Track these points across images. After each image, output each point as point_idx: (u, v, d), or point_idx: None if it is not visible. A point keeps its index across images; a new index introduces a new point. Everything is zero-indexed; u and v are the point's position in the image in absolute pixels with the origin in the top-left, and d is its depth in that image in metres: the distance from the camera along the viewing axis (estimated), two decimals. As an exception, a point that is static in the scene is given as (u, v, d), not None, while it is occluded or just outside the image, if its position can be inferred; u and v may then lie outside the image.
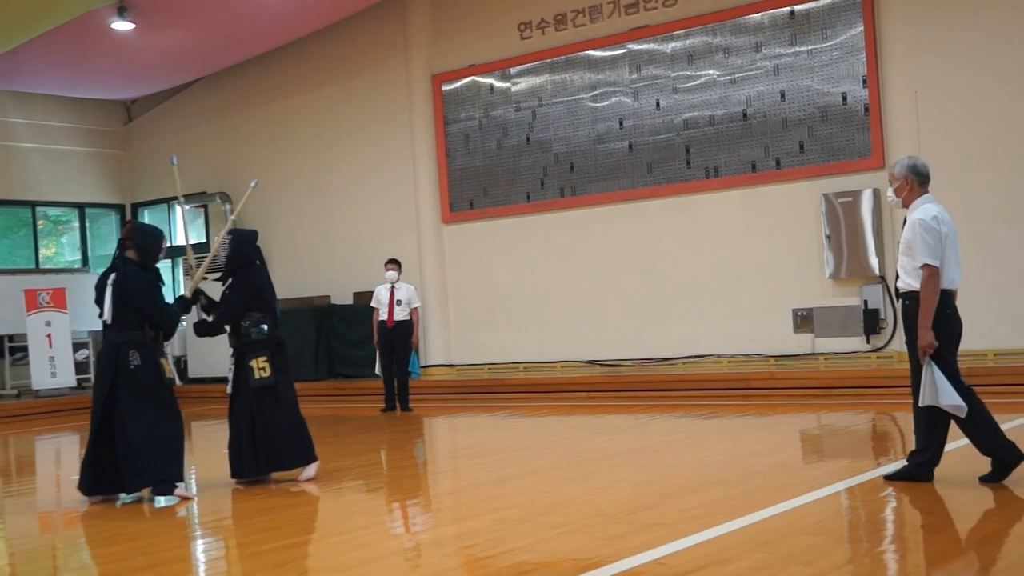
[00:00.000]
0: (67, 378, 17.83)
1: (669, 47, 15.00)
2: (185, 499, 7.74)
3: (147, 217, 21.58)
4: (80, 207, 21.00)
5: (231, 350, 8.48)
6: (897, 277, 6.59)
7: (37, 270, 19.44)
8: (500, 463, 8.76)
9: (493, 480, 8.03)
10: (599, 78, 15.59)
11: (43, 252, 20.69)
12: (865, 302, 13.43)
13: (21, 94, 19.67)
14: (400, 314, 13.55)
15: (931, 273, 6.29)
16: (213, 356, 18.43)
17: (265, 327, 8.36)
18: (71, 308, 17.88)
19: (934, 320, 6.30)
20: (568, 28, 15.86)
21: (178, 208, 9.00)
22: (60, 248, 21.50)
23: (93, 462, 7.79)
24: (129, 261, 7.97)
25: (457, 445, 11.42)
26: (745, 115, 14.41)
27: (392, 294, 13.61)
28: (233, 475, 8.36)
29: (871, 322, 13.40)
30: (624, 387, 13.87)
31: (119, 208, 21.50)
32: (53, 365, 17.65)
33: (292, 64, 18.75)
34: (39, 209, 20.51)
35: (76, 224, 21.15)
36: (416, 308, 13.72)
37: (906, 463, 6.69)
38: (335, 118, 18.36)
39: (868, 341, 13.50)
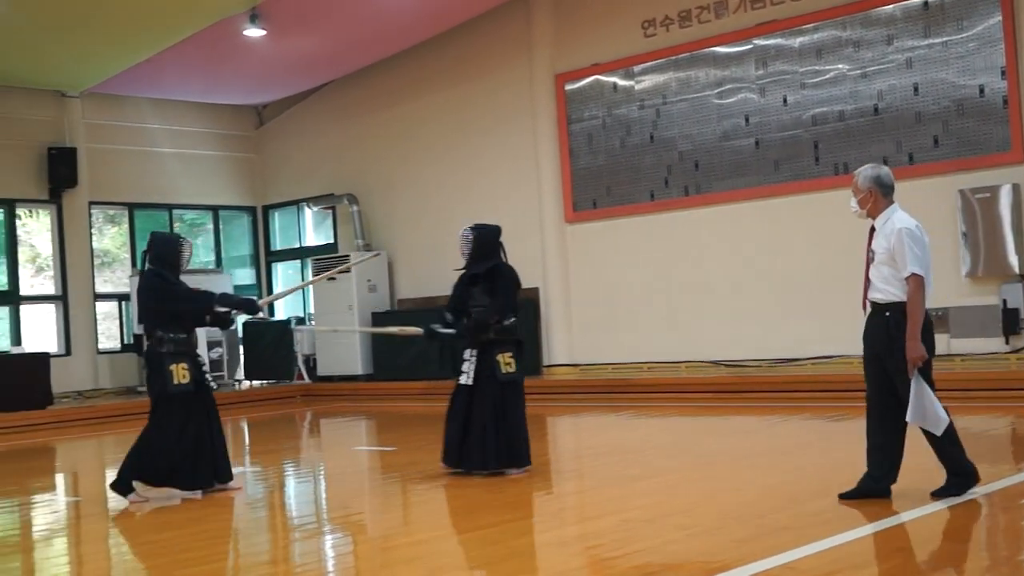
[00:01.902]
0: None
1: (797, 42, 14.73)
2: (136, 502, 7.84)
3: (277, 219, 22.10)
4: (214, 209, 21.61)
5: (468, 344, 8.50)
6: (867, 288, 6.38)
7: (174, 271, 20.01)
8: (625, 463, 8.71)
9: (618, 480, 7.99)
10: (724, 74, 15.39)
11: (179, 253, 21.29)
12: (1004, 301, 12.96)
13: (159, 101, 20.34)
14: None
15: (919, 283, 6.17)
16: (342, 355, 18.78)
17: (513, 322, 8.50)
18: (206, 308, 18.38)
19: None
20: (693, 25, 15.69)
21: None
22: (195, 249, 22.11)
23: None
24: (148, 271, 8.08)
25: (582, 445, 11.40)
26: (876, 109, 14.06)
27: None
28: (447, 463, 8.32)
29: (1010, 322, 12.92)
30: (751, 388, 13.66)
31: (251, 210, 22.06)
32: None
33: (417, 67, 18.97)
34: (175, 212, 21.17)
35: (210, 226, 21.77)
36: None
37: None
38: (459, 119, 18.52)
39: (1007, 342, 13.01)
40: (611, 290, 16.62)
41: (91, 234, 19.55)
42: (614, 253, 16.56)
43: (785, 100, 14.81)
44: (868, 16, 14.11)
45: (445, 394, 8.69)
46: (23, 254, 19.28)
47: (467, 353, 8.44)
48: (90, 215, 19.54)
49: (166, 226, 20.89)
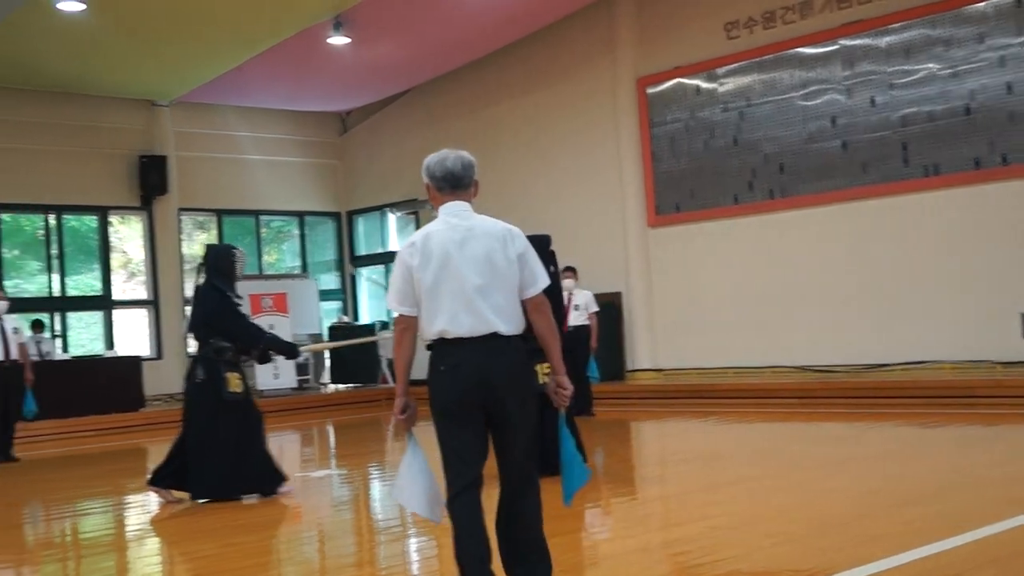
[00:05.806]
0: (289, 379, 18.61)
1: (884, 41, 14.47)
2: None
3: (361, 225, 22.32)
4: (299, 215, 21.91)
5: None
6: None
7: (261, 276, 20.37)
8: (710, 470, 8.63)
9: (704, 487, 7.91)
10: (810, 76, 15.18)
11: (266, 259, 21.69)
12: (1102, 305, 12.60)
13: (246, 108, 20.70)
14: (578, 319, 13.50)
15: (404, 327, 4.64)
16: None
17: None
18: (292, 312, 18.66)
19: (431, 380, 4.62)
20: (777, 26, 15.51)
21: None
22: (281, 255, 22.49)
23: (167, 459, 8.26)
24: (206, 282, 8.31)
25: (666, 450, 11.32)
26: (968, 110, 13.75)
27: (570, 300, 13.65)
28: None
29: (1109, 327, 12.55)
30: (838, 394, 13.44)
31: (335, 216, 22.32)
32: (276, 367, 18.41)
33: (499, 72, 19.03)
34: (262, 218, 21.51)
35: (296, 232, 22.08)
36: (594, 313, 13.65)
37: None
38: (541, 124, 18.53)
39: (1106, 347, 12.65)
40: (695, 294, 16.49)
41: (181, 240, 19.96)
42: (697, 257, 16.42)
43: (873, 101, 14.56)
44: (959, 14, 13.81)
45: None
46: (115, 260, 19.75)
47: None
48: (180, 221, 19.94)
49: (253, 232, 21.25)
